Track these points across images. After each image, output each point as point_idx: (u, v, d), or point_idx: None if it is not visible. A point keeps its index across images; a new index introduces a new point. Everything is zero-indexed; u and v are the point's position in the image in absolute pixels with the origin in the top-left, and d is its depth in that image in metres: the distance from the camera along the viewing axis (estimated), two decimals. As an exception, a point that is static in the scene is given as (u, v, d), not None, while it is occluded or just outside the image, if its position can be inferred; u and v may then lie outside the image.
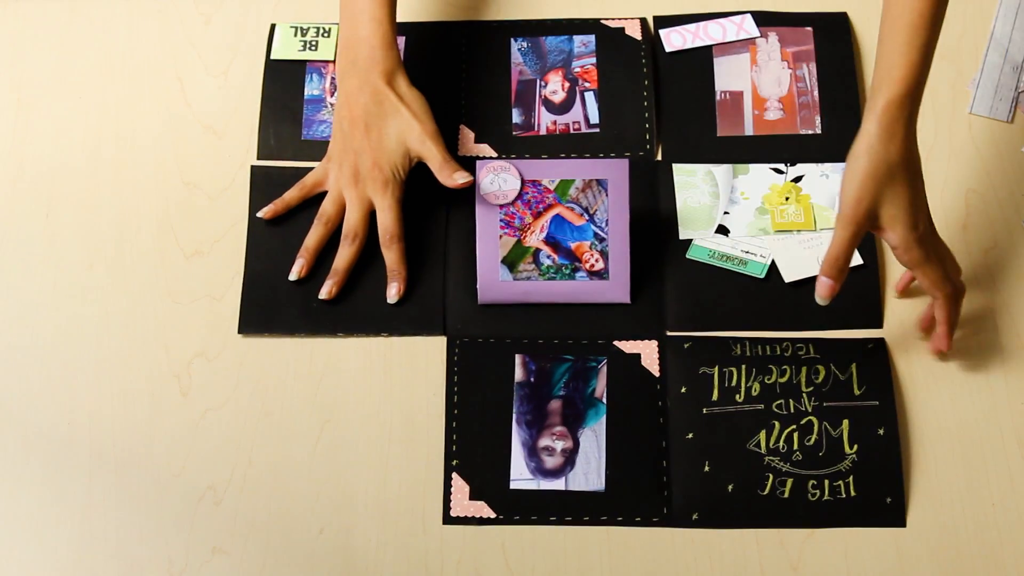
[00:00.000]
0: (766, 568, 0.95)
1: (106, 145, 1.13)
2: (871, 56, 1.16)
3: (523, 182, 1.04)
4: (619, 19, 1.17)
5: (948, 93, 1.15)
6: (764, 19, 1.17)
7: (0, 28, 1.19)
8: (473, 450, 0.99)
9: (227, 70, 1.16)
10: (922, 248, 0.95)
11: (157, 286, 1.06)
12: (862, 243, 1.04)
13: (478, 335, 1.04)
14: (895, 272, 1.06)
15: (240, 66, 1.16)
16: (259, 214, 1.07)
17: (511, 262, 1.04)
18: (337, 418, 1.01)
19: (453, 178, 1.03)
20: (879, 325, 1.04)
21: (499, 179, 1.04)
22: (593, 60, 1.16)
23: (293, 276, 1.05)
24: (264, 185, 1.10)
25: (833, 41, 1.16)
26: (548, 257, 1.04)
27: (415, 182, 1.07)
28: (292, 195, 1.08)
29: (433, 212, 1.09)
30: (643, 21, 1.17)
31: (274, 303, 1.05)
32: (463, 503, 0.97)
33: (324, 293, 1.04)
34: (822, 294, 0.96)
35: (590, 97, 1.14)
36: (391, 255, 1.05)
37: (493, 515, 0.97)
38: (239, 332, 1.04)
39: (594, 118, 1.13)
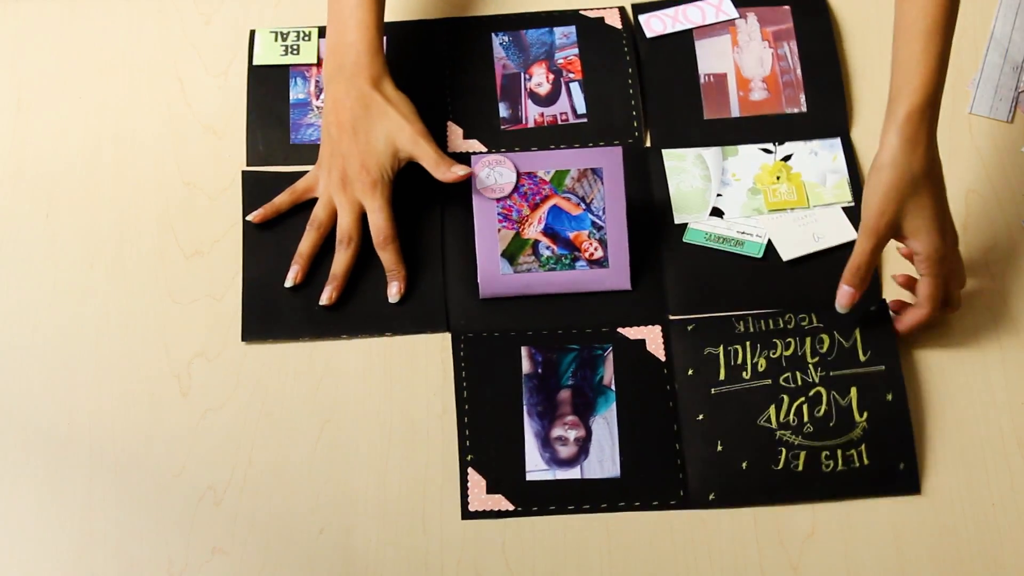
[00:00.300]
0: (766, 568, 0.95)
1: (106, 145, 1.13)
2: (850, 31, 1.17)
3: (519, 175, 1.04)
4: (598, 8, 1.18)
5: (948, 93, 1.13)
6: (741, 0, 1.18)
7: (0, 28, 1.19)
8: (487, 444, 0.99)
9: (227, 70, 1.16)
10: (946, 263, 0.96)
11: (157, 286, 1.06)
12: (855, 218, 1.05)
13: (482, 330, 1.04)
14: (891, 247, 1.05)
15: (240, 66, 1.16)
16: (248, 217, 1.07)
17: (511, 255, 1.04)
18: (337, 418, 1.01)
19: (452, 171, 1.03)
20: (879, 296, 1.04)
21: (495, 172, 1.04)
22: (575, 51, 1.16)
23: (288, 283, 1.04)
24: (256, 191, 1.09)
25: (811, 18, 1.17)
26: (547, 248, 1.05)
27: (408, 181, 1.07)
28: (282, 200, 1.07)
29: (428, 210, 1.09)
30: (621, 10, 1.18)
31: (275, 308, 1.05)
32: (480, 497, 0.97)
33: (324, 299, 1.04)
34: (843, 303, 0.98)
35: (575, 88, 1.15)
36: (387, 255, 1.05)
37: (511, 507, 0.97)
38: (242, 340, 1.03)
39: (581, 108, 1.14)
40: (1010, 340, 1.03)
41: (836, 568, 0.95)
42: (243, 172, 1.10)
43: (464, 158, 1.08)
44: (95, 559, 0.96)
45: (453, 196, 1.07)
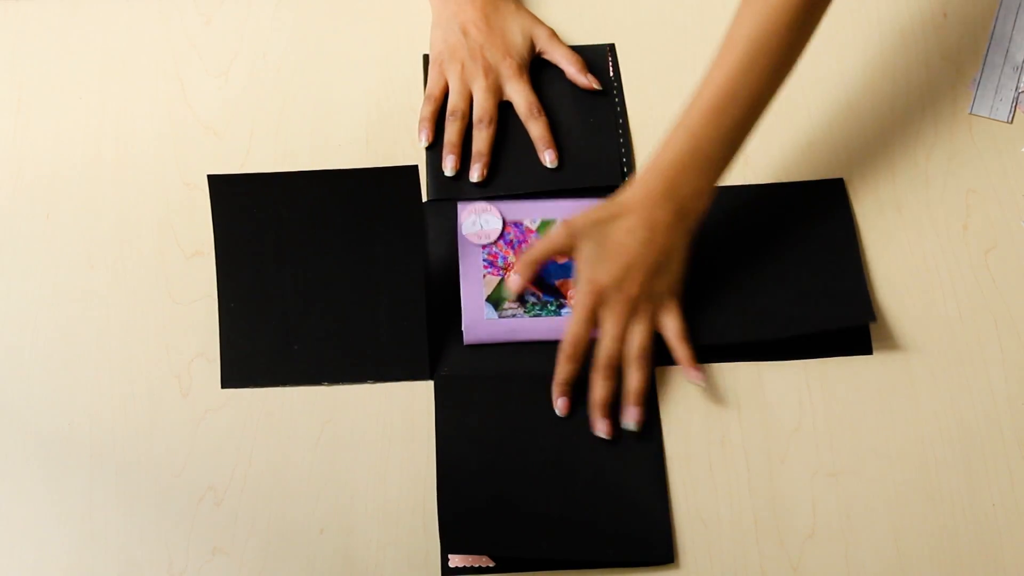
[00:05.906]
0: (766, 568, 0.95)
1: (106, 145, 1.13)
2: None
3: (504, 223, 1.05)
4: (587, 45, 1.16)
5: (948, 93, 1.15)
6: None
7: (0, 28, 1.19)
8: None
9: (227, 70, 1.16)
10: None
11: (157, 286, 1.06)
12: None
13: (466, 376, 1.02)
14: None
15: (240, 67, 1.16)
16: (421, 143, 1.10)
17: (495, 301, 1.04)
18: (337, 418, 1.01)
19: (589, 78, 1.12)
20: (868, 351, 1.03)
21: (480, 220, 1.05)
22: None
23: (448, 172, 1.09)
24: (226, 190, 1.04)
25: None
26: (532, 295, 1.04)
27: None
28: (429, 110, 1.12)
29: (412, 257, 1.05)
30: (610, 47, 1.16)
31: (254, 354, 1.02)
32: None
33: (475, 176, 1.08)
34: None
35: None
36: (539, 125, 1.10)
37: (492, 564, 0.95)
38: (223, 387, 1.02)
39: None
40: (1010, 340, 1.03)
41: (836, 568, 0.95)
42: (208, 176, 1.05)
43: (453, 203, 1.07)
44: (95, 559, 0.96)
45: (438, 242, 1.06)
